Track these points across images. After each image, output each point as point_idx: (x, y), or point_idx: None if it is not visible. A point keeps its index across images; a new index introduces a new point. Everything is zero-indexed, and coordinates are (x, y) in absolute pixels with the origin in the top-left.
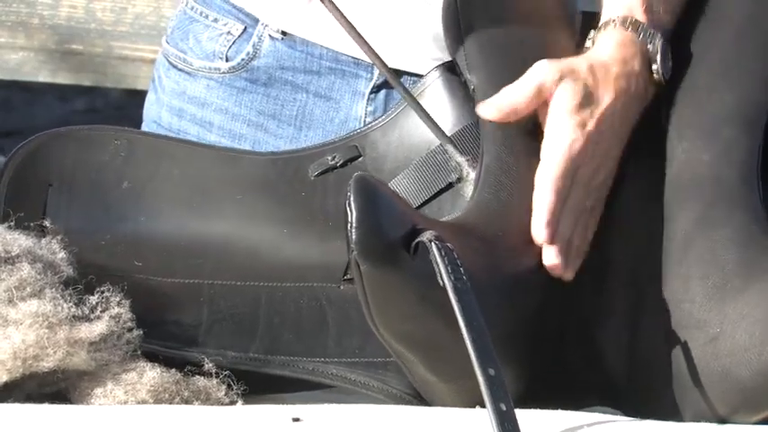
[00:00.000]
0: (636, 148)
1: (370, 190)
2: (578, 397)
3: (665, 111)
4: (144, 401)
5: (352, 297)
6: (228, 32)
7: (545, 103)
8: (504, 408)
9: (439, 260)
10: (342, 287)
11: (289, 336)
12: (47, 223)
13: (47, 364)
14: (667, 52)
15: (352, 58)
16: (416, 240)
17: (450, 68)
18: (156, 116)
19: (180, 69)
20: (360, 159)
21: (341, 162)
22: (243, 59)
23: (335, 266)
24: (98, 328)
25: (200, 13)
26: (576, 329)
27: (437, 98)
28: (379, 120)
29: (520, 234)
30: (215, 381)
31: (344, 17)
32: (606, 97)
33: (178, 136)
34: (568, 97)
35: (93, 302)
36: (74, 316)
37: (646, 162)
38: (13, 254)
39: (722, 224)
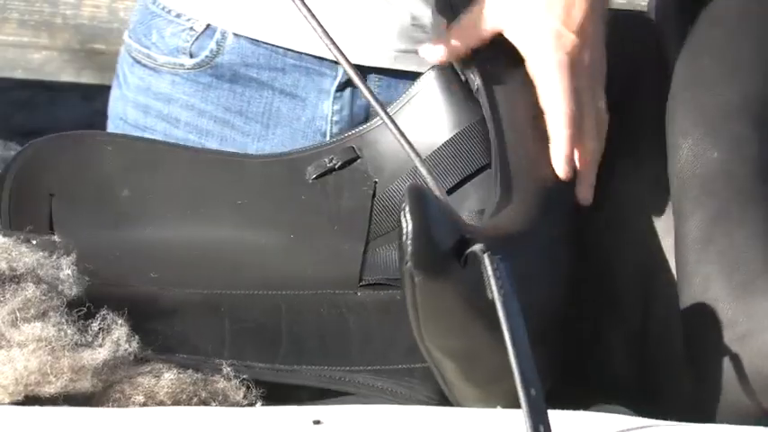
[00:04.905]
0: (636, 147)
1: (424, 200)
2: (593, 398)
3: (667, 108)
4: (162, 403)
5: (371, 304)
6: (191, 28)
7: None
8: (542, 430)
9: (491, 272)
10: (359, 293)
11: (313, 345)
12: (56, 238)
13: (49, 389)
14: None
15: (315, 56)
16: (468, 251)
17: (448, 68)
18: (122, 113)
19: (144, 65)
20: (359, 161)
21: (339, 164)
22: (207, 56)
23: (348, 272)
24: (101, 354)
25: (163, 9)
26: (589, 330)
27: (434, 99)
28: (377, 119)
29: (535, 231)
30: (233, 382)
31: (312, 14)
32: None
33: (145, 132)
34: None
35: (96, 329)
36: (76, 343)
37: (648, 161)
38: (18, 272)
39: (741, 221)
